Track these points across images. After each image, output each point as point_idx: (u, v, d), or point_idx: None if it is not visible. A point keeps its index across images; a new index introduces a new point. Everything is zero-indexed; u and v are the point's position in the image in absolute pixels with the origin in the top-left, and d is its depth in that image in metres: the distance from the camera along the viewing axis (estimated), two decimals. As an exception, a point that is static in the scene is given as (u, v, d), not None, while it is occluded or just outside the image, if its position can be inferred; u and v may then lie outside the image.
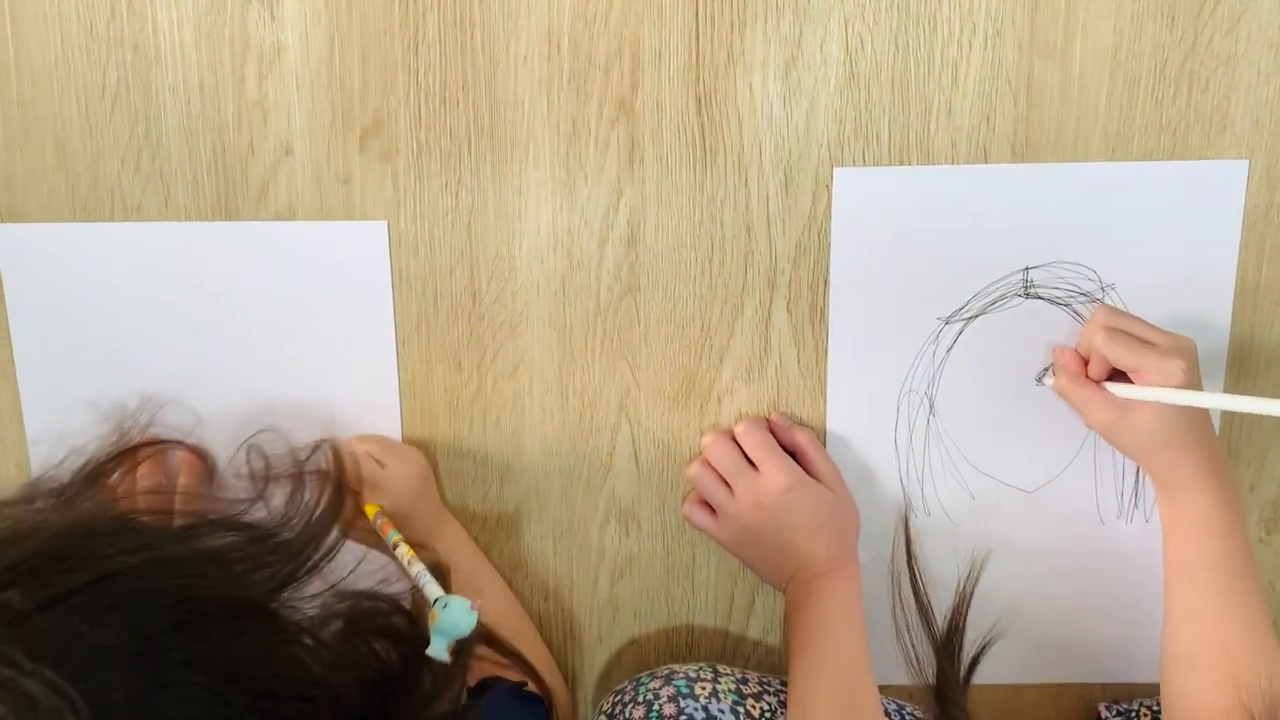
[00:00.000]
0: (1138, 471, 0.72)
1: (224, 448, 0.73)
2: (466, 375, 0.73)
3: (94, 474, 0.60)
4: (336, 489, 0.60)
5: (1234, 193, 0.69)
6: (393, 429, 0.73)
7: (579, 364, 0.72)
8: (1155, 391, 0.63)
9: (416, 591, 0.61)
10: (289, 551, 0.52)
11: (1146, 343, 0.64)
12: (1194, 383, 0.64)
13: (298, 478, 0.60)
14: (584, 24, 0.67)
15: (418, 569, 0.61)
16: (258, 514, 0.57)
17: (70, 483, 0.58)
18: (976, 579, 0.71)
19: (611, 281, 0.71)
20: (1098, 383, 0.66)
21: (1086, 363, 0.67)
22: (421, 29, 0.67)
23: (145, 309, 0.72)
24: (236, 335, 0.72)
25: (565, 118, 0.68)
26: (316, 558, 0.53)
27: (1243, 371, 0.71)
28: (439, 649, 0.53)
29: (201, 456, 0.71)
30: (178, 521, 0.53)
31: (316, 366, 0.72)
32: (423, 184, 0.70)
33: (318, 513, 0.57)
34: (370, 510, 0.67)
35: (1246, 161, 0.68)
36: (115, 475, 0.63)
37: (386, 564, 0.63)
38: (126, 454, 0.65)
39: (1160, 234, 0.69)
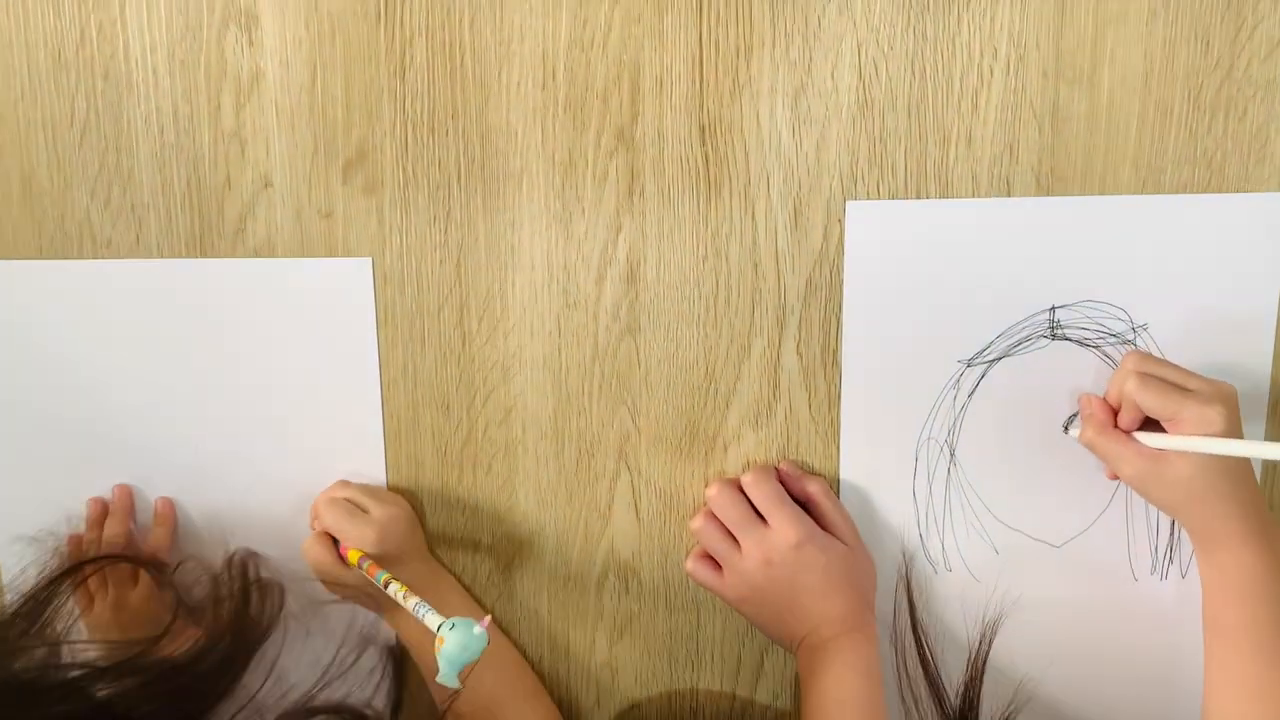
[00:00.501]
0: (1173, 524, 0.68)
1: (198, 504, 0.69)
2: (456, 420, 0.68)
3: (34, 610, 0.57)
4: (245, 600, 0.58)
5: (1275, 228, 0.64)
6: (377, 477, 0.69)
7: (575, 409, 0.68)
8: (1190, 441, 0.58)
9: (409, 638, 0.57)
10: (201, 687, 0.50)
11: (1182, 389, 0.60)
12: (1234, 431, 0.59)
13: (216, 601, 0.58)
14: (580, 49, 0.63)
15: (414, 601, 0.57)
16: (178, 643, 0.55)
17: (11, 621, 0.55)
18: (988, 651, 0.66)
19: (610, 321, 0.67)
20: (1128, 433, 0.62)
21: (1115, 412, 0.62)
22: (409, 54, 0.63)
23: (114, 350, 0.68)
24: (211, 379, 0.68)
25: (561, 148, 0.64)
26: (232, 684, 0.51)
27: (1286, 418, 0.67)
28: (449, 676, 0.52)
29: (150, 566, 0.67)
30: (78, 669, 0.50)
31: (297, 412, 0.68)
32: (409, 218, 0.66)
33: (231, 636, 0.55)
34: (353, 556, 0.63)
35: (1287, 194, 0.64)
36: (65, 599, 0.60)
37: (333, 656, 0.60)
38: (66, 576, 0.61)
39: (1196, 272, 0.65)
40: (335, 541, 0.65)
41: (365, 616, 0.68)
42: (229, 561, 0.65)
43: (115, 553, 0.68)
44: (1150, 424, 0.61)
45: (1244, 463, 0.60)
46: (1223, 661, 0.61)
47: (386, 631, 0.68)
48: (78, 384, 0.68)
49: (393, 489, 0.69)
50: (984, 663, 0.67)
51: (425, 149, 0.65)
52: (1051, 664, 0.69)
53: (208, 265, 0.66)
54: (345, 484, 0.68)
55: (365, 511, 0.65)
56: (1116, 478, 0.63)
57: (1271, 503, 0.68)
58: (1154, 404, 0.60)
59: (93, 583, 0.67)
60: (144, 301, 0.67)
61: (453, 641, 0.52)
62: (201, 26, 0.63)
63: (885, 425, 0.67)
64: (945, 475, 0.68)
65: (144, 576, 0.67)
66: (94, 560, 0.66)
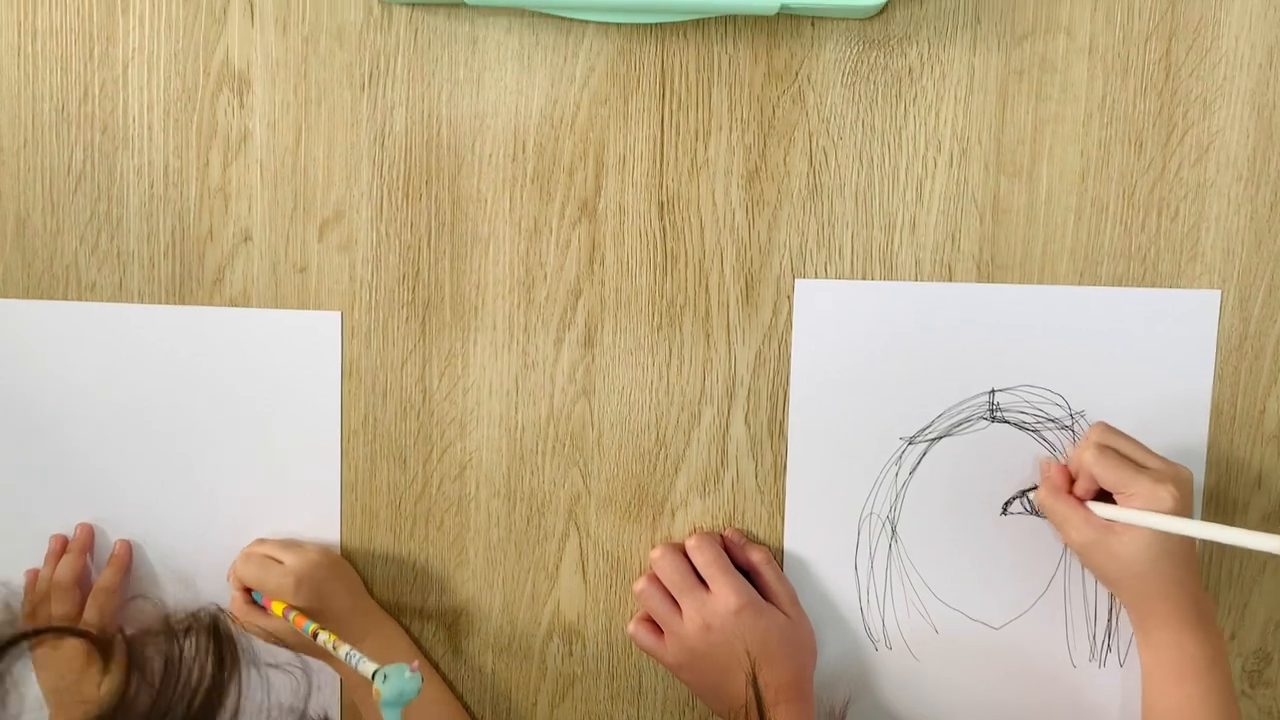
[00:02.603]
0: (1110, 610, 0.68)
1: (158, 546, 0.71)
2: (411, 474, 0.70)
3: None
4: (217, 655, 0.57)
5: (1207, 323, 0.67)
6: (331, 526, 0.70)
7: (528, 468, 0.70)
8: (1138, 515, 0.60)
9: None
10: None
11: (1138, 465, 0.61)
12: (1184, 514, 0.60)
13: (170, 642, 0.57)
14: (550, 126, 0.67)
15: (345, 650, 0.58)
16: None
17: None
18: None
19: (566, 383, 0.69)
20: (1081, 500, 0.63)
21: (1073, 480, 0.64)
22: (389, 123, 0.68)
23: (88, 390, 0.70)
24: (179, 423, 0.70)
25: (527, 216, 0.68)
26: None
27: (1220, 508, 0.68)
28: None
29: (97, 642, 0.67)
30: None
31: (258, 457, 0.70)
32: (380, 276, 0.69)
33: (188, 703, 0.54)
34: (277, 609, 0.64)
35: (1219, 291, 0.67)
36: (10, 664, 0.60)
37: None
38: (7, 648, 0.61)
39: (1131, 362, 0.67)
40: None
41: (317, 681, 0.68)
42: (194, 617, 0.65)
43: (61, 626, 0.67)
44: (1107, 498, 0.63)
45: (1188, 546, 0.61)
46: (1158, 746, 0.61)
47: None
48: (50, 421, 0.71)
49: (345, 542, 0.71)
50: None
51: (399, 211, 0.68)
52: (990, 749, 0.69)
53: (184, 312, 0.69)
54: (262, 540, 0.69)
55: (280, 562, 0.67)
56: (1066, 544, 0.64)
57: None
58: (1108, 476, 0.61)
59: (40, 618, 0.68)
60: (121, 344, 0.70)
61: (389, 689, 0.53)
62: (197, 88, 0.68)
63: (829, 498, 0.69)
64: (887, 551, 0.69)
65: (88, 612, 0.68)
66: (36, 632, 0.65)
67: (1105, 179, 0.66)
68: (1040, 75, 0.66)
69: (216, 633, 0.62)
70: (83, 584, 0.70)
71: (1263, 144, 0.66)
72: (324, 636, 0.60)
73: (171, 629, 0.60)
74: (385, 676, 0.53)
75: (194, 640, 0.60)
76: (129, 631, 0.60)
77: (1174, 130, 0.66)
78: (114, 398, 0.70)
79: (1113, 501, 0.62)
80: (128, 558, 0.71)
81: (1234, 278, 0.67)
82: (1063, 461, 0.67)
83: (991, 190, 0.67)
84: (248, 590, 0.67)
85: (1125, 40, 0.65)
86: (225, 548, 0.70)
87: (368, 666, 0.56)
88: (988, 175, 0.66)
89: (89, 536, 0.71)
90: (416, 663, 0.54)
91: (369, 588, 0.71)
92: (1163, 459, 0.62)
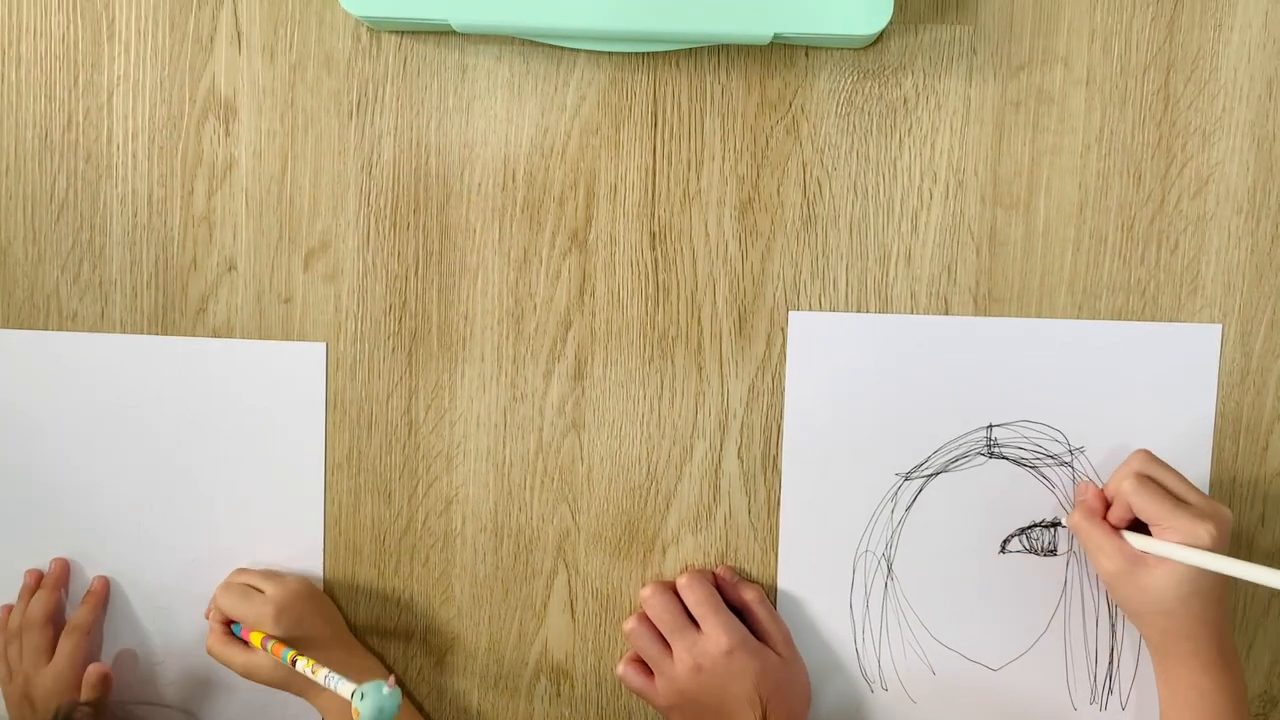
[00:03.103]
0: (1112, 651, 0.67)
1: (137, 581, 0.70)
2: (396, 509, 0.69)
3: None
4: None
5: (1208, 358, 0.66)
6: (314, 561, 0.69)
7: (516, 503, 0.68)
8: (1173, 548, 0.58)
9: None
10: None
11: (1178, 499, 0.60)
12: (1221, 553, 0.58)
13: None
14: (541, 155, 0.66)
15: (324, 673, 0.57)
16: None
17: None
18: None
19: (555, 416, 0.68)
20: (1115, 528, 0.61)
21: (1108, 505, 0.62)
22: (376, 151, 0.67)
23: (67, 422, 0.69)
24: (160, 455, 0.69)
25: (517, 246, 0.67)
26: None
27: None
28: None
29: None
30: None
31: (240, 491, 0.69)
32: (366, 306, 0.68)
33: None
34: (255, 639, 0.63)
35: (1219, 326, 0.66)
36: None
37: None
38: None
39: (1132, 398, 0.66)
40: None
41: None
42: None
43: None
44: (1141, 527, 0.61)
45: (1220, 587, 0.60)
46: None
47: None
48: (29, 453, 0.69)
49: (329, 577, 0.69)
50: None
51: (386, 241, 0.67)
52: (989, 794, 0.67)
53: (166, 343, 0.68)
54: (243, 570, 0.68)
55: (261, 593, 0.65)
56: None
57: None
58: (1146, 507, 0.59)
59: (11, 655, 0.67)
60: (102, 375, 0.69)
61: (367, 707, 0.52)
62: (182, 116, 0.67)
63: (823, 535, 0.67)
64: (883, 589, 0.67)
65: (61, 650, 0.67)
66: None
67: (1104, 211, 0.65)
68: (1037, 106, 0.65)
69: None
70: (56, 621, 0.68)
71: (1263, 176, 0.65)
72: (302, 663, 0.59)
73: None
74: (363, 695, 0.52)
75: None
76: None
77: (1173, 162, 0.65)
78: (94, 430, 0.69)
79: (1147, 532, 0.60)
80: (104, 594, 0.69)
81: (1235, 311, 0.65)
82: (1100, 486, 0.64)
83: (988, 222, 0.66)
84: (227, 623, 0.66)
85: (1123, 71, 0.64)
86: (206, 583, 0.69)
87: (346, 687, 0.55)
88: (984, 207, 0.65)
89: (64, 572, 0.69)
90: (393, 679, 0.53)
91: (352, 624, 0.69)
92: (1203, 495, 0.60)
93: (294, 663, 0.59)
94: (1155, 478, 0.61)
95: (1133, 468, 0.61)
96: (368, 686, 0.52)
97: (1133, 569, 0.60)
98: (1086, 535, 0.62)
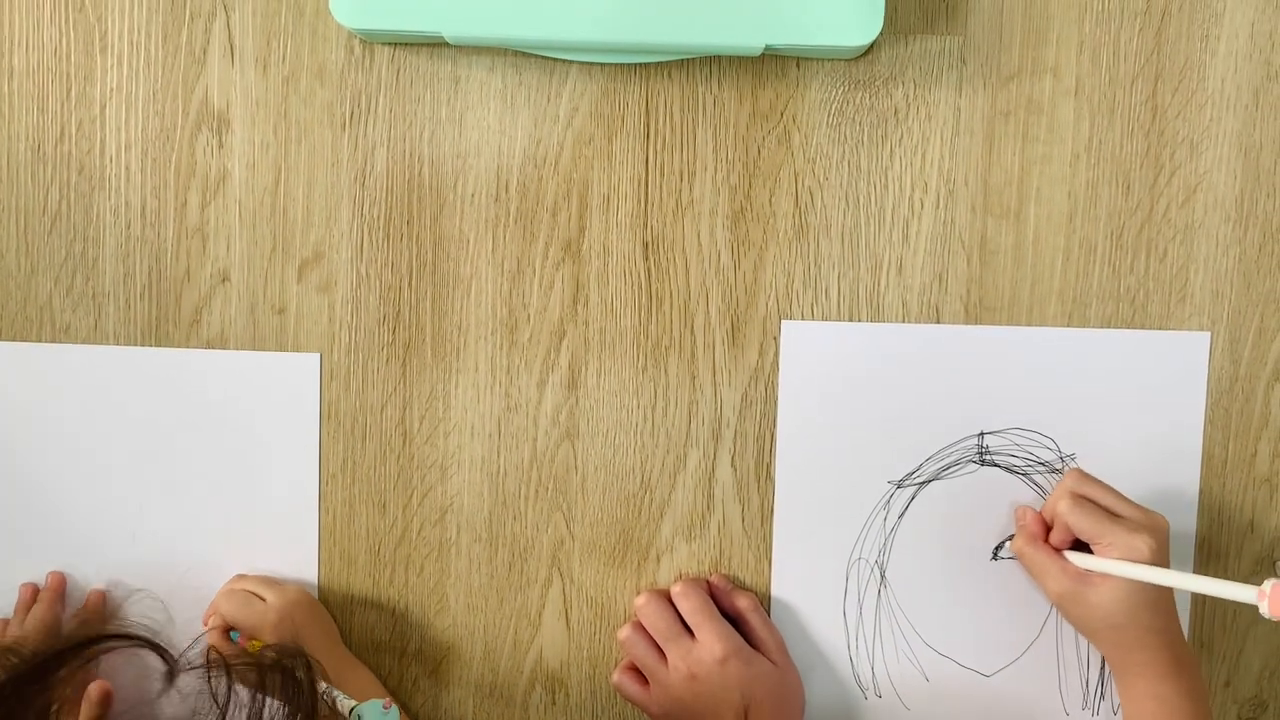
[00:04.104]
0: (1103, 658, 0.67)
1: (133, 593, 0.69)
2: (391, 519, 0.69)
3: None
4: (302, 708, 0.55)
5: (1197, 365, 0.66)
6: (309, 571, 0.69)
7: (511, 512, 0.68)
8: (1114, 564, 0.59)
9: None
10: None
11: (1113, 515, 0.61)
12: (1161, 562, 0.59)
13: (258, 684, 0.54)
14: (534, 166, 0.66)
15: (323, 686, 0.56)
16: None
17: None
18: None
19: (549, 426, 0.68)
20: (1058, 550, 0.62)
21: (1049, 528, 0.63)
22: (370, 162, 0.67)
23: (62, 435, 0.69)
24: (155, 468, 0.69)
25: (510, 257, 0.67)
26: None
27: (1213, 553, 0.67)
28: None
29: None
30: None
31: (235, 502, 0.69)
32: (360, 317, 0.68)
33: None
34: (254, 647, 0.63)
35: (1208, 334, 0.66)
36: None
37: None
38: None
39: (1121, 405, 0.66)
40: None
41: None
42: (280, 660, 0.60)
43: (127, 633, 0.63)
44: (1085, 548, 0.62)
45: (1167, 595, 0.60)
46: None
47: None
48: (22, 465, 0.69)
49: (324, 587, 0.69)
50: None
51: (380, 252, 0.67)
52: (982, 800, 0.68)
53: (160, 354, 0.68)
54: (242, 576, 0.68)
55: (262, 599, 0.65)
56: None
57: (1200, 641, 0.67)
58: (1083, 525, 0.60)
59: None
60: (96, 387, 0.69)
61: None
62: (176, 128, 0.67)
63: (817, 543, 0.67)
64: (876, 597, 0.67)
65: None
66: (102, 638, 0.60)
67: (1093, 220, 0.66)
68: (1027, 116, 0.65)
69: (296, 684, 0.58)
70: (55, 633, 0.68)
71: (1250, 185, 0.65)
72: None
73: (262, 675, 0.56)
74: (360, 714, 0.52)
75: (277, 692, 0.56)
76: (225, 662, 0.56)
77: (1161, 171, 0.66)
78: (89, 442, 0.69)
79: (1090, 551, 0.61)
80: (100, 608, 0.69)
81: (1223, 319, 0.66)
82: (1038, 510, 0.65)
83: (979, 231, 0.66)
84: (225, 630, 0.66)
85: (1111, 82, 0.65)
86: (202, 594, 0.69)
87: (346, 703, 0.55)
88: (975, 216, 0.66)
89: (61, 585, 0.69)
90: (389, 699, 0.53)
91: (346, 634, 0.69)
92: (1139, 507, 0.61)
93: None
94: (1089, 496, 0.61)
95: (1067, 487, 0.62)
96: (365, 706, 0.52)
97: (1079, 588, 0.60)
98: (1030, 560, 0.63)
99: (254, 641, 0.63)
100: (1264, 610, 0.51)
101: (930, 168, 0.66)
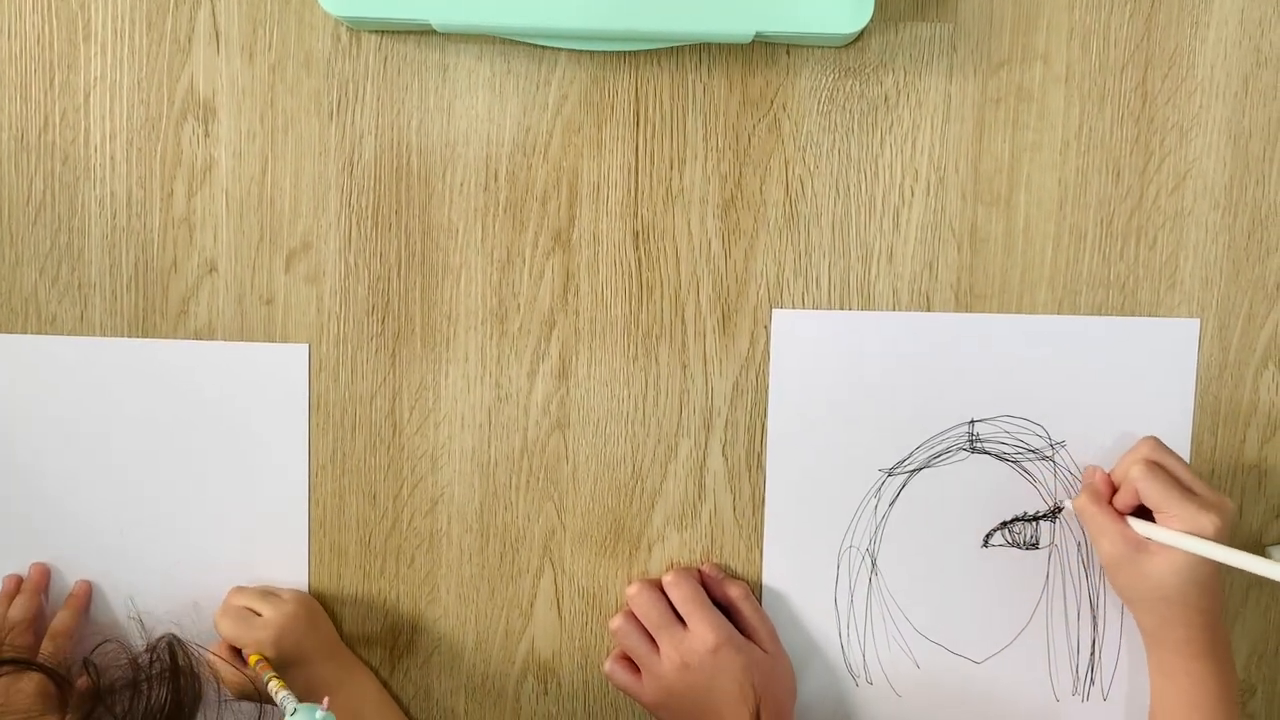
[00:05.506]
0: (1093, 643, 0.67)
1: (119, 585, 0.69)
2: (381, 510, 0.68)
3: None
4: (179, 689, 0.56)
5: (1186, 352, 0.66)
6: (299, 563, 0.69)
7: (502, 502, 0.68)
8: (1178, 537, 0.58)
9: None
10: None
11: (1185, 488, 0.60)
12: (1223, 544, 0.59)
13: (135, 686, 0.56)
14: (523, 155, 0.66)
15: (282, 694, 0.58)
16: None
17: None
18: None
19: (540, 416, 0.68)
20: (1120, 513, 0.62)
21: (1114, 490, 0.63)
22: (358, 151, 0.66)
23: (48, 426, 0.68)
24: (143, 459, 0.68)
25: (500, 246, 0.67)
26: None
27: (1202, 539, 0.67)
28: None
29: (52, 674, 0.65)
30: None
31: (223, 493, 0.68)
32: (348, 307, 0.67)
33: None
34: (252, 660, 0.63)
35: (1198, 320, 0.66)
36: None
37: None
38: None
39: (1111, 392, 0.66)
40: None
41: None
42: (153, 649, 0.63)
43: (21, 658, 0.65)
44: (1146, 514, 0.61)
45: (1217, 577, 0.60)
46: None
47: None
48: (7, 457, 0.69)
49: (314, 579, 0.69)
50: None
51: (368, 242, 0.67)
52: (973, 786, 0.68)
53: (147, 345, 0.68)
54: (240, 590, 0.67)
55: (259, 615, 0.65)
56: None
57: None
58: (1153, 494, 0.60)
59: None
60: (82, 378, 0.68)
61: None
62: (161, 117, 0.66)
63: (808, 531, 0.67)
64: (867, 585, 0.68)
65: (43, 656, 0.66)
66: None
67: (1083, 207, 0.66)
68: (1017, 103, 0.65)
69: (175, 664, 0.60)
70: (37, 627, 0.67)
71: (1239, 172, 0.65)
72: (274, 685, 0.59)
73: (139, 671, 0.59)
74: (294, 711, 0.54)
75: (160, 685, 0.59)
76: (103, 680, 0.58)
77: (1151, 158, 0.66)
78: (75, 434, 0.68)
79: (1151, 519, 0.61)
80: (85, 599, 0.69)
81: (1213, 306, 0.66)
82: (1107, 471, 0.64)
83: (969, 219, 0.66)
84: (232, 650, 0.65)
85: (1101, 68, 0.65)
86: (190, 586, 0.69)
87: (289, 704, 0.56)
88: (965, 204, 0.66)
89: (44, 577, 0.69)
90: (326, 700, 0.54)
91: (337, 626, 0.69)
92: (1208, 485, 0.61)
93: (268, 682, 0.60)
94: (1163, 465, 0.61)
95: (1141, 454, 0.62)
96: (302, 708, 0.53)
97: (1134, 555, 0.60)
98: (1091, 519, 0.62)
99: (253, 655, 0.63)
100: None
101: (920, 155, 0.65)
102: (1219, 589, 0.61)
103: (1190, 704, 0.60)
